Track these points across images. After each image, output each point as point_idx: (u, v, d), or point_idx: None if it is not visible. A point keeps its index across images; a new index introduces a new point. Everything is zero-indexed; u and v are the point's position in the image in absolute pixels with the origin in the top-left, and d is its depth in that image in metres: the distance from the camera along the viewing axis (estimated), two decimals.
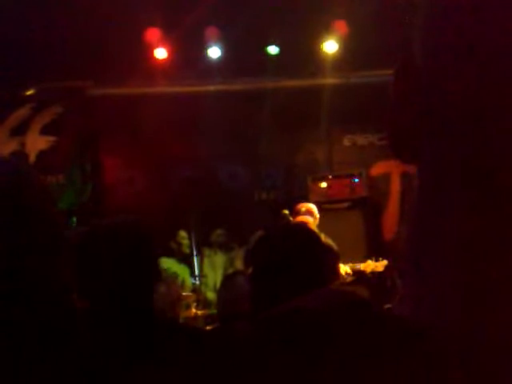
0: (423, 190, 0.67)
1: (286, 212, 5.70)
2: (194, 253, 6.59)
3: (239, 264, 5.98)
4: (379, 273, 5.11)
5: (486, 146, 0.60)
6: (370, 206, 6.73)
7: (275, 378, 0.71)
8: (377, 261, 5.24)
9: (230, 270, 5.79)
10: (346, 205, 6.65)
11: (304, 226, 3.26)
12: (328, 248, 3.46)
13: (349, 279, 4.68)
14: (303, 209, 5.37)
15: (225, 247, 6.58)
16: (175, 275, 5.90)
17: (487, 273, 0.59)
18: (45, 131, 6.69)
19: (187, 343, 1.59)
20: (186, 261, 6.53)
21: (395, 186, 7.22)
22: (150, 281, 1.81)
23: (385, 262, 5.23)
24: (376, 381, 0.69)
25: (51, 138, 6.66)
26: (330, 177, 6.86)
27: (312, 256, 2.03)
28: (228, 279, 3.39)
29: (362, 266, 4.93)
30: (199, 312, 5.59)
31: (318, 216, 5.34)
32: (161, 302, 3.52)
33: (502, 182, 0.59)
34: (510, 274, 0.58)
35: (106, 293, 1.68)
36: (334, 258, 3.50)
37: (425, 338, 0.67)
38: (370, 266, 5.23)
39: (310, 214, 5.34)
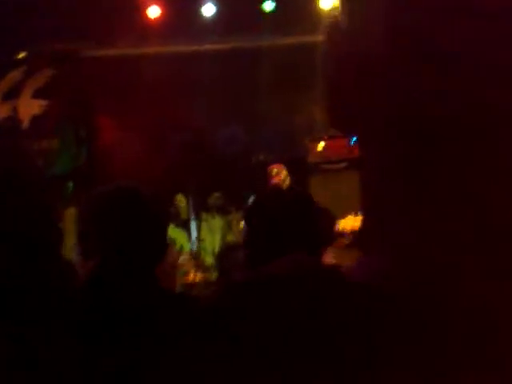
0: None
1: (286, 173, 5.68)
2: (192, 217, 6.56)
3: (237, 227, 5.95)
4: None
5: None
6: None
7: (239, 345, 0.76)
8: (356, 215, 5.15)
9: (228, 234, 5.79)
10: (343, 165, 6.60)
11: (299, 189, 3.21)
12: (323, 211, 3.39)
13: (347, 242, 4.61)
14: (274, 170, 5.51)
15: (222, 211, 6.55)
16: (172, 242, 5.87)
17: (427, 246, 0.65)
18: (37, 95, 6.63)
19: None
20: (184, 225, 6.50)
21: None
22: (160, 249, 1.72)
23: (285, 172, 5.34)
24: (334, 336, 0.75)
25: (44, 102, 6.60)
26: (328, 137, 6.79)
27: (306, 219, 2.00)
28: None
29: (340, 224, 4.84)
30: (198, 277, 5.56)
31: (287, 174, 5.56)
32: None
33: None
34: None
35: (114, 255, 1.58)
36: (330, 222, 3.45)
37: (378, 296, 0.72)
38: (349, 222, 5.13)
39: (280, 175, 5.53)
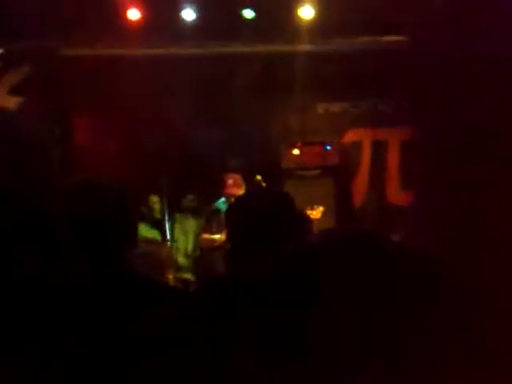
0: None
1: (259, 178, 5.75)
2: (166, 218, 6.58)
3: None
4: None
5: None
6: (340, 174, 6.79)
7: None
8: (312, 209, 5.25)
9: (201, 235, 5.83)
10: (317, 172, 6.69)
11: (279, 191, 3.29)
12: (302, 213, 3.51)
13: None
14: (230, 180, 5.54)
15: (196, 213, 6.59)
16: (146, 240, 5.90)
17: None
18: (13, 92, 6.55)
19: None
20: (158, 226, 6.52)
21: (366, 154, 7.32)
22: (128, 242, 1.76)
23: (321, 209, 5.32)
24: (380, 305, 0.70)
25: (20, 99, 6.54)
26: (303, 144, 6.89)
27: (286, 220, 2.09)
28: None
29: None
30: (170, 276, 5.59)
31: (243, 186, 5.54)
32: (149, 264, 3.45)
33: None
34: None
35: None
36: (308, 223, 3.57)
37: (426, 263, 0.71)
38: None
39: (236, 185, 5.50)
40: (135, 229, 1.83)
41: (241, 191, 5.42)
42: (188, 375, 0.78)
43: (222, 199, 5.73)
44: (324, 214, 5.37)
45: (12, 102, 6.49)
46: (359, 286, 0.73)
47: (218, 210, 5.63)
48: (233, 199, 5.23)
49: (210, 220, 5.72)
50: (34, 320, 0.74)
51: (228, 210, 2.36)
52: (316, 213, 5.23)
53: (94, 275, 1.55)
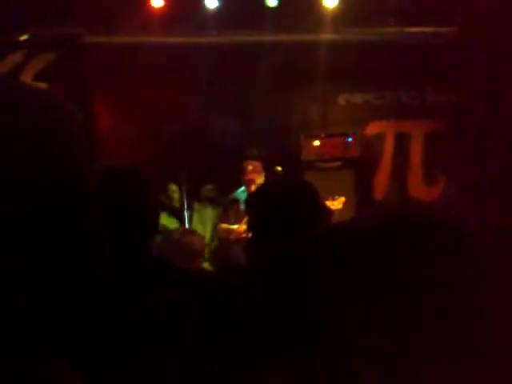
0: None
1: (279, 169, 5.72)
2: (185, 207, 6.59)
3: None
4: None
5: None
6: (361, 166, 6.72)
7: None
8: (333, 200, 5.19)
9: (219, 225, 5.82)
10: (337, 164, 6.63)
11: (300, 180, 3.26)
12: (322, 204, 3.46)
13: None
14: (250, 167, 5.51)
15: (214, 202, 6.59)
16: (164, 228, 5.91)
17: None
18: (38, 78, 6.62)
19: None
20: (176, 214, 6.53)
21: (388, 147, 7.23)
22: (150, 229, 1.75)
23: (343, 199, 5.24)
24: (430, 289, 0.68)
25: (44, 85, 6.59)
26: (323, 135, 6.83)
27: (307, 209, 2.06)
28: None
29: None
30: (201, 265, 5.61)
31: (263, 173, 5.51)
32: (180, 252, 3.44)
33: None
34: None
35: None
36: (328, 214, 3.52)
37: (478, 244, 0.70)
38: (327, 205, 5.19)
39: (256, 171, 5.47)
40: (157, 215, 1.82)
41: (260, 178, 5.42)
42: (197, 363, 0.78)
43: (241, 189, 5.71)
44: (344, 205, 5.32)
45: None
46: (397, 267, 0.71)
47: (236, 200, 5.61)
48: (253, 187, 5.22)
49: (228, 210, 5.70)
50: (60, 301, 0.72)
51: (249, 199, 2.36)
52: (337, 203, 5.16)
53: (118, 261, 1.54)
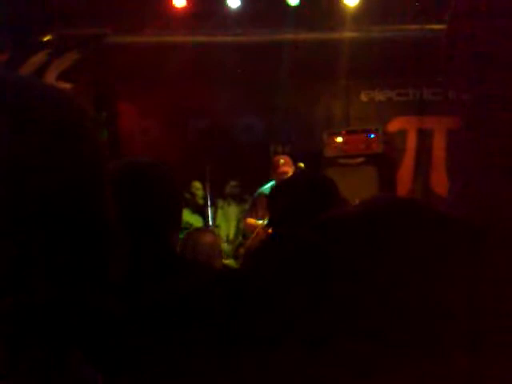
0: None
1: (302, 165, 5.74)
2: (208, 204, 6.64)
3: None
4: None
5: None
6: (384, 162, 6.72)
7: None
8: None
9: (245, 220, 5.85)
10: (360, 160, 6.63)
11: (322, 175, 3.27)
12: (344, 200, 3.49)
13: None
14: (282, 160, 5.56)
15: (238, 199, 6.63)
16: (188, 225, 5.97)
17: None
18: (62, 77, 6.68)
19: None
20: (200, 211, 6.58)
21: (411, 143, 7.23)
22: (173, 226, 1.75)
23: None
24: (438, 278, 0.69)
25: (68, 85, 6.65)
26: (346, 132, 6.84)
27: (327, 205, 2.05)
28: None
29: None
30: (218, 263, 5.65)
31: (293, 166, 5.55)
32: (205, 252, 3.46)
33: None
34: None
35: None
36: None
37: (483, 235, 0.70)
38: None
39: (288, 164, 5.50)
40: (180, 212, 1.81)
41: (292, 171, 5.46)
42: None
43: (269, 184, 5.73)
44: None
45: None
46: (405, 252, 0.71)
47: (264, 195, 5.64)
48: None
49: (256, 204, 5.72)
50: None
51: (269, 194, 2.34)
52: None
53: (141, 257, 1.57)
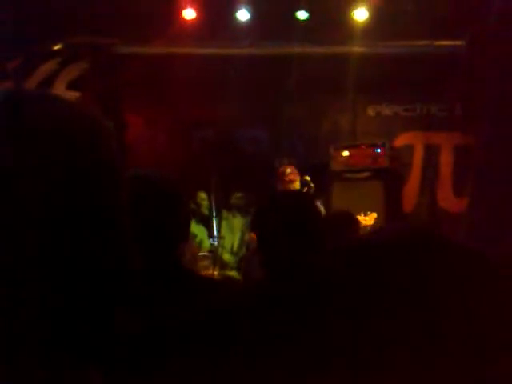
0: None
1: (308, 178, 5.75)
2: (213, 214, 6.65)
3: None
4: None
5: None
6: (390, 177, 6.73)
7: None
8: (365, 215, 5.23)
9: (249, 233, 5.85)
10: (366, 174, 6.64)
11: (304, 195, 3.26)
12: (345, 214, 3.49)
13: None
14: (288, 169, 5.54)
15: (243, 211, 6.63)
16: (193, 235, 5.97)
17: None
18: (71, 87, 6.72)
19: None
20: (205, 222, 6.59)
21: (418, 158, 7.23)
22: (181, 237, 1.76)
23: (374, 215, 5.24)
24: (437, 304, 0.69)
25: (77, 94, 6.69)
26: (353, 146, 6.85)
27: (315, 223, 2.11)
28: None
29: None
30: (216, 273, 5.67)
31: (299, 176, 5.50)
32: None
33: None
34: None
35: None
36: (352, 223, 3.55)
37: (483, 261, 0.70)
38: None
39: (294, 173, 5.50)
40: (187, 225, 1.83)
41: (298, 180, 5.44)
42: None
43: None
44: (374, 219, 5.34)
45: (70, 97, 6.62)
46: (416, 284, 0.71)
47: None
48: (292, 186, 5.26)
49: None
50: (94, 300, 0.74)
51: (259, 211, 2.29)
52: (369, 219, 5.20)
53: (148, 268, 1.57)
